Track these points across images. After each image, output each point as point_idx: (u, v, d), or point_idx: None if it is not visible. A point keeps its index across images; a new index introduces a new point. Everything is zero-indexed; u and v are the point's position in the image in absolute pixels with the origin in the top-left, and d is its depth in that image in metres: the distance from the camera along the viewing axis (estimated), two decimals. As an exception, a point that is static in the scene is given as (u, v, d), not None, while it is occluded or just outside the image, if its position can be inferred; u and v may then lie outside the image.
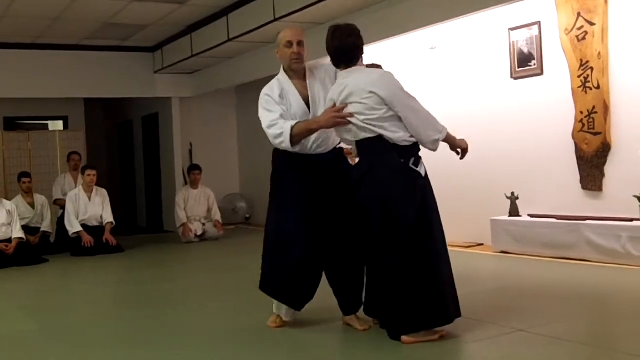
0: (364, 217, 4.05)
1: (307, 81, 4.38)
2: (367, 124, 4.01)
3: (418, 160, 4.09)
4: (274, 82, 4.45)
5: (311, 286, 4.32)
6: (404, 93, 4.08)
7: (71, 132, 12.25)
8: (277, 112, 4.25)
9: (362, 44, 4.21)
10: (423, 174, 4.09)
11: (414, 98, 4.11)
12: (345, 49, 4.13)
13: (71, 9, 8.64)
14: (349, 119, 4.04)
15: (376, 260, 4.00)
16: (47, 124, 13.62)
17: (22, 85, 10.80)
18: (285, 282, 4.28)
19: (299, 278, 4.25)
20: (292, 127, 4.13)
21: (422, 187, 4.07)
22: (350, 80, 4.08)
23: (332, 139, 4.40)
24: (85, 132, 12.80)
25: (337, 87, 4.18)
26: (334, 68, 4.33)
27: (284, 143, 4.15)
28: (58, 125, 13.55)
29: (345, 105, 4.06)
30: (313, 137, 4.25)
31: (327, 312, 4.60)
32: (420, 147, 4.15)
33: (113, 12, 8.94)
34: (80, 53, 11.11)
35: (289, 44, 4.32)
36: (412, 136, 4.04)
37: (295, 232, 4.23)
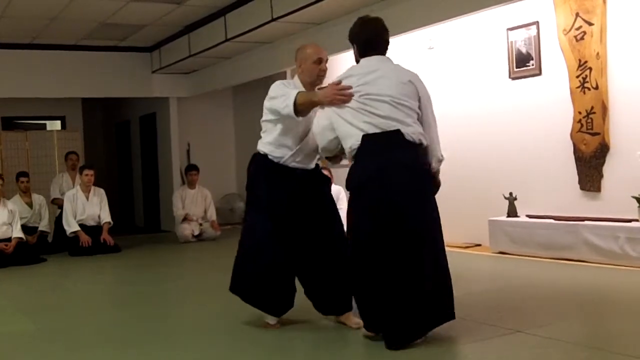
0: (368, 221, 3.87)
1: None
2: (396, 105, 3.88)
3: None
4: (291, 81, 4.46)
5: (281, 292, 4.37)
6: (431, 103, 4.13)
7: (69, 132, 12.23)
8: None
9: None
10: (436, 169, 4.15)
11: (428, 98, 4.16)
12: (382, 39, 4.13)
13: (69, 8, 8.62)
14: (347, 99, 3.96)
15: (391, 270, 3.79)
16: (45, 124, 13.62)
17: (20, 85, 10.79)
18: (253, 287, 4.37)
19: (266, 284, 4.32)
20: (297, 94, 4.12)
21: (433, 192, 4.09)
22: (384, 66, 4.03)
23: (313, 161, 4.47)
24: (83, 132, 12.80)
25: (361, 68, 4.06)
26: None
27: (287, 108, 4.11)
28: (56, 125, 13.55)
29: (346, 86, 3.98)
30: (292, 152, 4.32)
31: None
32: None
33: (110, 12, 8.92)
34: (78, 53, 11.10)
35: (319, 60, 4.34)
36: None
37: (264, 239, 4.31)
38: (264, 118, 4.42)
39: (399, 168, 3.85)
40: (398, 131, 3.87)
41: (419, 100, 4.03)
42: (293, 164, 4.36)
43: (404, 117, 3.91)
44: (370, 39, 4.10)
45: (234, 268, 4.52)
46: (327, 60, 4.39)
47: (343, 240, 4.38)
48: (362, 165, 3.95)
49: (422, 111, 4.03)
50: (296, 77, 4.46)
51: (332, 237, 4.43)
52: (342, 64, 9.75)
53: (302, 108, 4.14)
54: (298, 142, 4.34)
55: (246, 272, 4.40)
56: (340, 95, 3.98)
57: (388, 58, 4.14)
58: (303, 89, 4.31)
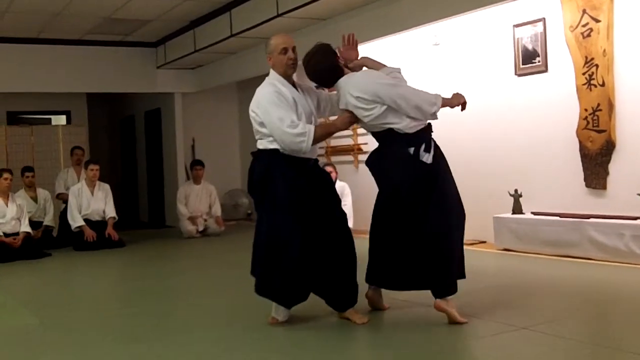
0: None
1: (298, 88, 4.51)
2: (372, 123, 4.31)
3: (429, 146, 4.31)
4: (273, 82, 4.42)
5: (305, 287, 4.39)
6: (387, 84, 4.27)
7: (74, 127, 12.24)
8: (293, 112, 4.29)
9: (336, 63, 4.42)
10: (430, 161, 4.27)
11: (398, 84, 4.32)
12: (323, 74, 4.41)
13: (74, 3, 8.63)
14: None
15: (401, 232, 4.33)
16: (50, 119, 13.62)
17: (25, 80, 10.82)
18: (281, 284, 4.31)
19: (294, 279, 4.29)
20: (311, 137, 4.22)
21: (429, 174, 4.27)
22: (343, 90, 4.37)
23: (317, 150, 4.57)
24: (88, 127, 12.80)
25: (337, 96, 4.51)
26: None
27: (304, 143, 4.20)
28: (61, 119, 13.55)
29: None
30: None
31: (324, 307, 4.58)
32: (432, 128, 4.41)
33: (116, 7, 8.93)
34: (83, 48, 11.11)
35: (285, 50, 4.39)
36: (418, 119, 4.28)
37: (289, 235, 4.26)
38: (258, 128, 4.39)
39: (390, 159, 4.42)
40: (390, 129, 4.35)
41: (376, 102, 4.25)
42: (306, 155, 4.35)
43: (383, 124, 4.34)
44: (315, 77, 4.47)
45: (258, 270, 4.42)
46: (294, 48, 4.41)
47: (348, 234, 4.44)
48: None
49: (385, 103, 4.25)
50: (272, 72, 4.46)
51: (339, 231, 4.42)
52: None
53: (318, 141, 4.36)
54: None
55: (276, 271, 4.30)
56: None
57: (344, 77, 4.44)
58: (289, 85, 4.40)
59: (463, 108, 4.58)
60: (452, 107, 4.52)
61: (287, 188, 4.28)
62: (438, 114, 4.34)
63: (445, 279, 4.26)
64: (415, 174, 4.25)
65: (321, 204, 4.37)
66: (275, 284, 4.33)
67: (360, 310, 4.47)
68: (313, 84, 4.62)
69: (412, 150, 4.24)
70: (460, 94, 4.56)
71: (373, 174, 4.56)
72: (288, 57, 4.38)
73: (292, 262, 4.24)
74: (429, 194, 4.23)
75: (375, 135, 4.46)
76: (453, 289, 4.30)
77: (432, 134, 4.43)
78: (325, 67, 4.37)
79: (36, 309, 5.50)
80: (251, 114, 4.40)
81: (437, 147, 4.40)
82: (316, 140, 4.26)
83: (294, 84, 4.48)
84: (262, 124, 4.32)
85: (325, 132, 4.45)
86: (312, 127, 4.24)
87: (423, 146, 4.26)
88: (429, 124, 4.40)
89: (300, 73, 4.50)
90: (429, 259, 4.23)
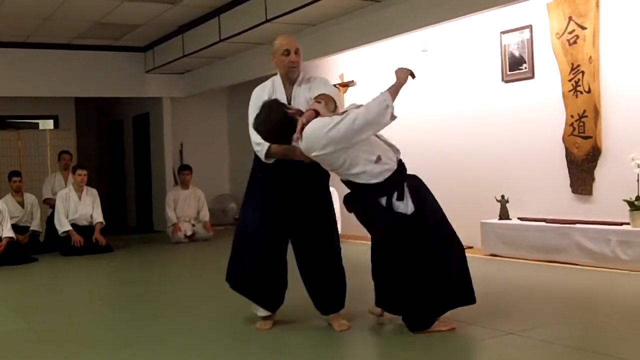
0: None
1: (294, 89, 4.45)
2: (343, 173, 4.11)
3: (402, 193, 4.07)
4: (268, 82, 4.53)
5: (272, 285, 4.46)
6: (334, 127, 3.94)
7: (62, 131, 12.21)
8: None
9: (285, 116, 4.12)
10: (410, 211, 4.06)
11: (345, 117, 3.97)
12: (273, 131, 4.16)
13: (63, 7, 8.60)
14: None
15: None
16: (37, 123, 13.58)
17: (13, 84, 10.75)
18: (244, 277, 4.47)
19: (257, 275, 4.40)
20: (268, 152, 4.27)
21: (412, 224, 4.08)
22: (307, 153, 4.14)
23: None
24: (76, 132, 12.75)
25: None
26: (312, 90, 4.39)
27: (260, 153, 4.32)
28: (48, 124, 13.50)
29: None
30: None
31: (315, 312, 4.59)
32: (404, 169, 4.22)
33: (105, 12, 8.91)
34: (71, 52, 11.07)
35: (287, 52, 4.37)
36: (384, 163, 4.07)
37: (256, 232, 4.39)
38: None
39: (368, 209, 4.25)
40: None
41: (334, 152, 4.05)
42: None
43: (349, 177, 4.17)
44: (268, 136, 4.22)
45: (229, 259, 4.59)
46: (297, 51, 4.38)
47: (334, 239, 4.51)
48: None
49: (342, 148, 4.01)
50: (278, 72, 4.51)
51: (324, 235, 4.45)
52: (338, 64, 9.78)
53: (274, 157, 4.31)
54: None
55: (239, 263, 4.48)
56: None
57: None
58: (281, 88, 4.42)
59: (413, 76, 4.30)
60: (403, 84, 4.25)
61: (262, 191, 4.41)
62: (407, 113, 4.26)
63: (417, 316, 4.15)
64: (394, 225, 4.07)
65: (304, 206, 4.39)
66: (238, 274, 4.50)
67: (347, 316, 4.48)
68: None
69: (384, 200, 4.04)
70: (402, 68, 4.29)
71: (355, 216, 4.34)
72: (289, 60, 4.37)
73: (253, 258, 4.37)
74: (415, 242, 4.09)
75: (346, 184, 4.24)
76: (426, 325, 4.14)
77: (404, 179, 4.18)
78: (275, 122, 4.10)
79: (24, 314, 5.49)
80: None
81: (417, 187, 4.20)
82: (272, 155, 4.28)
83: (294, 82, 4.46)
84: None
85: (282, 154, 4.26)
86: (263, 151, 4.28)
87: (395, 195, 4.04)
88: (398, 167, 4.16)
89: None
90: (408, 296, 4.14)
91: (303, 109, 4.24)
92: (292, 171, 4.37)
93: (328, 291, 4.46)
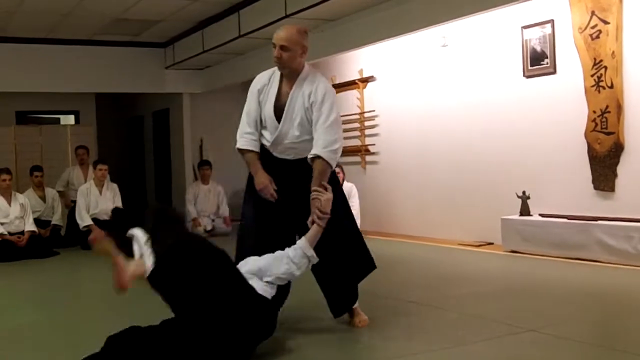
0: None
1: (292, 92, 4.25)
2: None
3: None
4: (267, 73, 4.44)
5: None
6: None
7: (82, 127, 12.29)
8: (251, 112, 4.34)
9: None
10: None
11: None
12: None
13: (83, 3, 8.65)
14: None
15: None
16: (58, 119, 13.67)
17: (34, 80, 10.84)
18: None
19: None
20: (241, 149, 4.31)
21: None
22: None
23: (301, 151, 4.26)
24: (96, 127, 12.83)
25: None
26: (319, 96, 4.22)
27: (236, 145, 4.37)
28: (69, 119, 13.59)
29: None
30: (276, 147, 4.29)
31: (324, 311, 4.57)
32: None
33: (125, 8, 8.94)
34: (91, 48, 11.13)
35: (273, 45, 4.23)
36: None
37: (248, 229, 4.39)
38: None
39: None
40: None
41: None
42: (275, 154, 4.31)
43: None
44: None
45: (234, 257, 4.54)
46: (282, 47, 4.17)
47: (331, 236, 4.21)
48: None
49: None
50: None
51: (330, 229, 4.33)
52: (357, 59, 9.76)
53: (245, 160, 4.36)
54: (271, 136, 4.30)
55: (239, 259, 4.32)
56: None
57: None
58: (277, 81, 4.34)
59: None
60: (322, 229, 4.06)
61: (253, 185, 4.34)
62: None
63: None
64: None
65: (295, 201, 4.21)
66: None
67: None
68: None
69: None
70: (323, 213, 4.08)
71: None
72: (274, 55, 4.23)
73: (246, 251, 4.24)
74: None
75: None
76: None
77: None
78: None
79: (44, 307, 5.53)
80: None
81: None
82: (243, 156, 4.33)
83: (293, 83, 4.28)
84: None
85: (249, 165, 4.34)
86: (240, 145, 4.30)
87: None
88: None
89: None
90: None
91: (297, 116, 4.19)
92: (287, 166, 4.27)
93: (337, 290, 4.33)
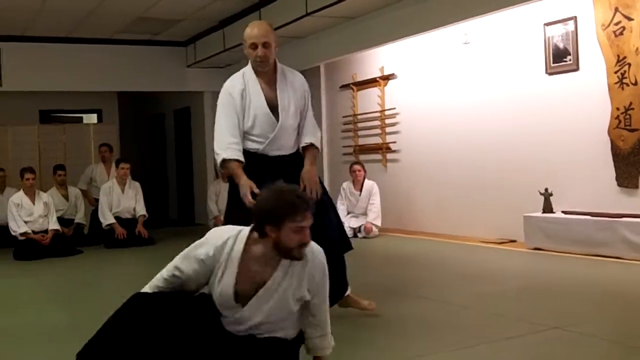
0: None
1: (278, 84, 4.27)
2: None
3: None
4: (237, 76, 4.34)
5: None
6: None
7: (105, 125, 12.39)
8: (230, 121, 4.19)
9: None
10: None
11: None
12: None
13: (105, 3, 8.71)
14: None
15: None
16: (81, 117, 13.78)
17: (57, 79, 10.93)
18: None
19: None
20: (225, 160, 4.13)
21: None
22: None
23: (293, 144, 4.32)
24: (119, 125, 12.92)
25: None
26: (306, 86, 4.37)
27: (216, 161, 4.23)
28: (92, 118, 13.71)
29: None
30: (274, 144, 4.23)
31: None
32: None
33: (146, 6, 9.00)
34: (113, 47, 11.20)
35: (254, 45, 4.18)
36: None
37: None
38: None
39: None
40: None
41: None
42: (272, 153, 4.26)
43: None
44: None
45: None
46: (265, 44, 4.15)
47: (329, 227, 4.21)
48: None
49: None
50: (249, 62, 4.35)
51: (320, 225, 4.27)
52: (378, 56, 9.75)
53: (228, 172, 4.22)
54: (271, 131, 4.24)
55: None
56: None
57: None
58: (255, 80, 4.25)
59: None
60: None
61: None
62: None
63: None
64: None
65: None
66: None
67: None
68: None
69: None
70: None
71: None
72: (256, 54, 4.18)
73: None
74: None
75: None
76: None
77: None
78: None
79: (67, 305, 5.58)
80: None
81: None
82: (225, 169, 4.21)
83: (274, 76, 4.28)
84: None
85: (233, 173, 4.14)
86: (220, 159, 4.14)
87: None
88: None
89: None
90: None
91: (291, 106, 4.22)
92: (283, 163, 4.22)
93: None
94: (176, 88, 12.10)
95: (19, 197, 8.73)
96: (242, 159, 4.16)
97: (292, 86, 4.32)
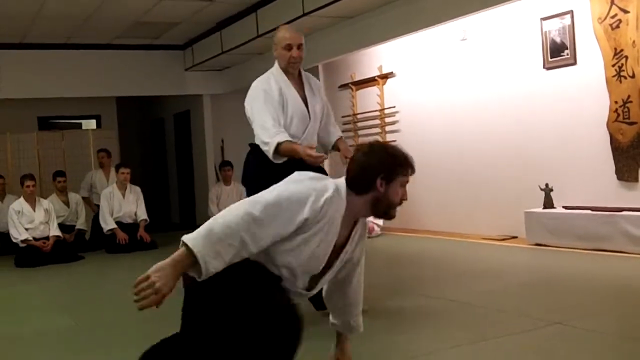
0: None
1: (305, 86, 4.44)
2: None
3: None
4: (268, 76, 4.42)
5: None
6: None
7: (104, 131, 12.38)
8: (273, 113, 4.26)
9: None
10: None
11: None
12: None
13: (102, 8, 8.71)
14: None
15: None
16: (80, 123, 13.78)
17: (55, 85, 10.92)
18: None
19: None
20: (280, 144, 4.15)
21: None
22: None
23: (315, 144, 4.42)
24: (118, 130, 12.92)
25: None
26: (322, 89, 4.60)
27: (268, 153, 4.21)
28: (91, 124, 13.70)
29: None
30: (304, 144, 4.26)
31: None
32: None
33: (143, 11, 9.00)
34: (111, 52, 11.21)
35: (289, 47, 4.31)
36: None
37: None
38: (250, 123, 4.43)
39: None
40: None
41: None
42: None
43: None
44: None
45: None
46: (299, 46, 4.31)
47: None
48: None
49: None
50: (276, 63, 4.44)
51: None
52: (376, 55, 9.75)
53: (282, 155, 4.19)
54: (303, 131, 4.34)
55: None
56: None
57: None
58: (287, 81, 4.34)
59: None
60: None
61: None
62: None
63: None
64: None
65: None
66: None
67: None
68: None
69: None
70: None
71: None
72: (291, 55, 4.32)
73: None
74: None
75: None
76: None
77: None
78: None
79: (71, 310, 5.57)
80: (245, 106, 4.46)
81: None
82: (281, 153, 4.17)
83: (300, 80, 4.44)
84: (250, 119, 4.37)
85: (290, 151, 4.16)
86: (275, 143, 4.15)
87: None
88: None
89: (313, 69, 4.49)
90: None
91: (318, 108, 4.41)
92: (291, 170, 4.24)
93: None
94: (175, 92, 12.10)
95: (20, 204, 8.74)
96: (291, 139, 4.22)
97: (316, 89, 4.51)
